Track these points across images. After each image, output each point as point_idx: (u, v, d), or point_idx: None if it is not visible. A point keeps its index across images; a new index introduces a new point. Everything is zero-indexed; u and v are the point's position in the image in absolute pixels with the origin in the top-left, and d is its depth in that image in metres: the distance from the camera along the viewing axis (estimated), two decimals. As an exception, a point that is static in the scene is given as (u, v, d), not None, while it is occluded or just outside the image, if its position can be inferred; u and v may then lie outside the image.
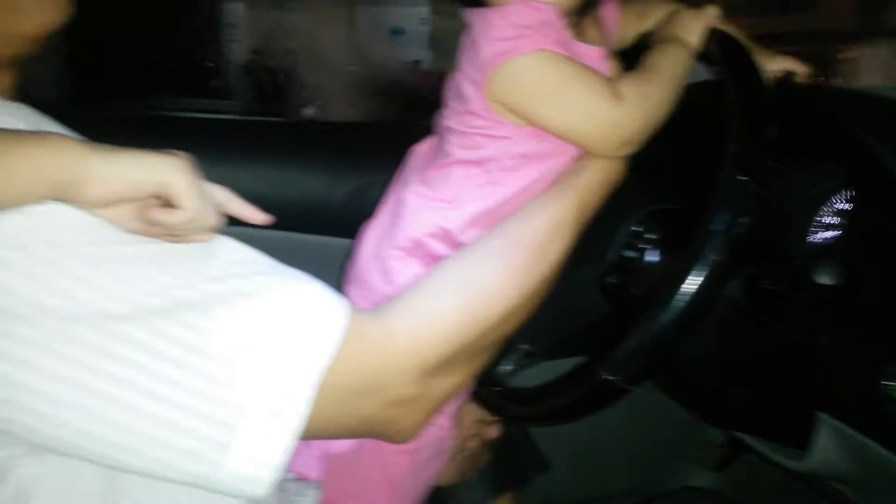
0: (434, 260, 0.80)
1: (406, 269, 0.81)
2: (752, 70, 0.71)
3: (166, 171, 0.52)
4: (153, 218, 0.53)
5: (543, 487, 1.21)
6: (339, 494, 0.86)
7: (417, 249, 0.81)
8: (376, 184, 1.19)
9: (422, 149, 0.91)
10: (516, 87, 0.74)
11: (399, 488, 0.88)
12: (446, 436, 0.95)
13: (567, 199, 0.74)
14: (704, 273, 0.64)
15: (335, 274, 0.96)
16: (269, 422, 0.54)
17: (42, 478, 0.56)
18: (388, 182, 0.95)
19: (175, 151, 0.55)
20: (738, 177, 0.65)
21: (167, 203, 0.53)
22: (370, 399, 0.62)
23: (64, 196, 0.49)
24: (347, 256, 0.96)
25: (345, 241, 1.08)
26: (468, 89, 0.78)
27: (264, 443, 0.54)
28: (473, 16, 0.78)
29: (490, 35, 0.74)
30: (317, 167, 1.30)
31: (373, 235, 0.88)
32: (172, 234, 0.55)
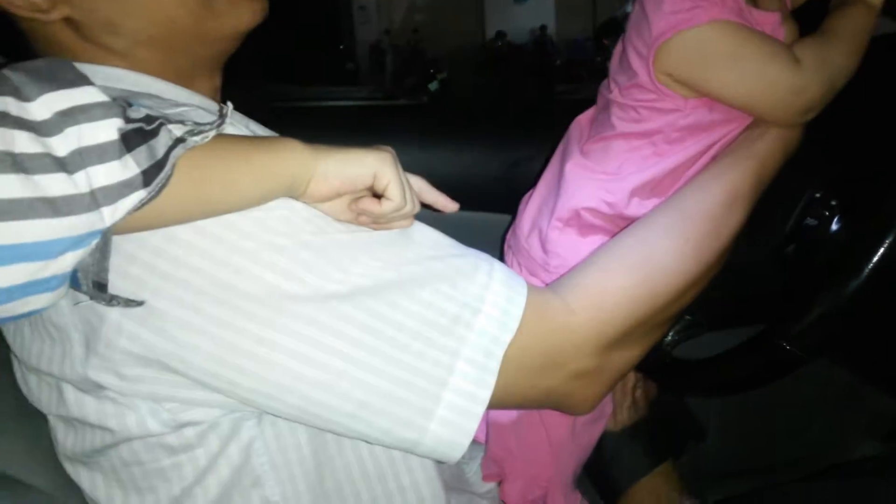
0: (593, 230, 0.81)
1: (565, 239, 0.83)
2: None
3: (379, 166, 0.57)
4: (365, 209, 0.58)
5: (701, 457, 1.20)
6: (502, 453, 0.90)
7: (578, 220, 0.82)
8: (529, 158, 1.22)
9: (583, 119, 0.91)
10: (689, 59, 0.73)
11: (560, 450, 0.91)
12: (606, 401, 0.97)
13: (744, 168, 0.73)
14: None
15: (493, 248, 0.99)
16: (465, 392, 0.58)
17: (265, 437, 0.64)
18: (540, 155, 0.97)
19: (383, 147, 0.60)
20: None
21: (376, 195, 0.58)
22: (553, 372, 0.65)
23: (293, 193, 0.55)
24: (505, 230, 0.99)
25: (501, 217, 1.12)
26: (635, 62, 0.78)
27: (461, 411, 0.58)
28: None
29: (661, 7, 0.73)
30: (471, 144, 1.33)
31: (533, 206, 0.90)
32: (378, 223, 0.60)
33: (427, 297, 0.58)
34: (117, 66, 0.63)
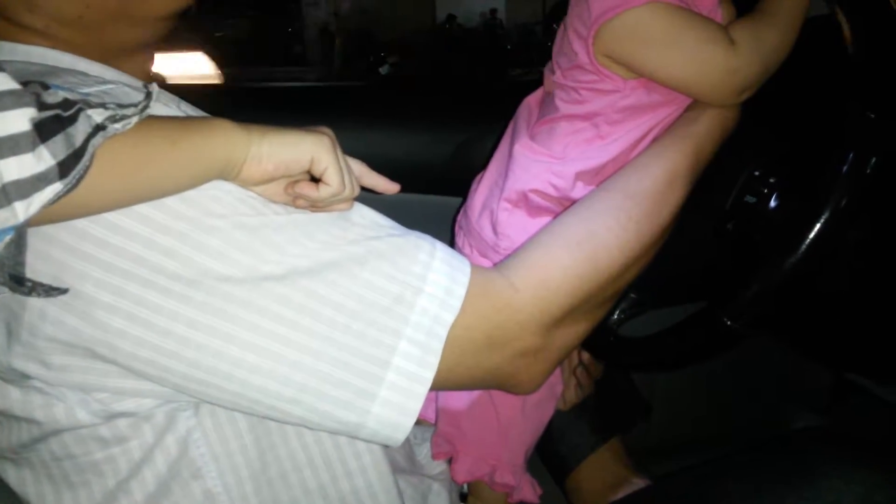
0: (542, 212, 0.82)
1: (514, 220, 0.83)
2: (884, 5, 0.68)
3: (317, 150, 0.55)
4: (302, 193, 0.56)
5: (648, 432, 1.23)
6: (453, 431, 0.91)
7: (525, 202, 0.82)
8: (480, 139, 1.21)
9: (532, 101, 0.91)
10: (627, 41, 0.74)
11: (509, 429, 0.91)
12: (556, 381, 0.98)
13: (683, 147, 0.74)
14: (833, 217, 0.63)
15: (445, 230, 0.99)
16: (407, 373, 0.58)
17: (203, 427, 0.62)
18: (491, 136, 0.96)
19: (322, 128, 0.58)
20: (869, 114, 0.63)
21: (314, 178, 0.57)
22: (497, 351, 0.65)
23: (226, 176, 0.54)
24: (453, 213, 0.99)
25: (453, 199, 1.11)
26: (576, 43, 0.78)
27: (404, 392, 0.58)
28: None
29: None
30: (417, 126, 1.32)
31: (484, 187, 0.90)
32: (315, 207, 0.58)
33: (367, 276, 0.57)
34: (39, 44, 0.60)
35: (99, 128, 0.44)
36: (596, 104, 0.79)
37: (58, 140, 0.41)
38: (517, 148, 0.84)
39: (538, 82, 0.91)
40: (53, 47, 0.60)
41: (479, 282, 0.63)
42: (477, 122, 1.28)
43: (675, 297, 0.94)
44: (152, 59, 0.71)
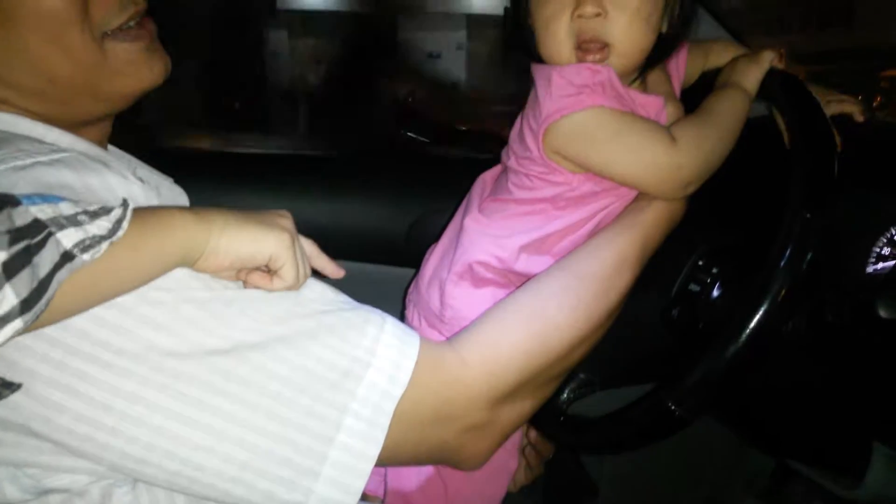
0: (486, 283, 0.83)
1: (459, 291, 0.84)
2: (816, 111, 0.73)
3: (276, 249, 0.55)
4: (255, 284, 0.56)
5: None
6: None
7: (471, 273, 0.84)
8: (438, 211, 1.23)
9: (487, 176, 0.95)
10: (573, 142, 0.78)
11: None
12: (509, 457, 0.97)
13: (631, 234, 0.76)
14: (771, 309, 0.65)
15: (398, 301, 0.99)
16: (352, 449, 0.57)
17: None
18: (445, 212, 0.98)
19: (281, 218, 0.58)
20: (805, 213, 0.66)
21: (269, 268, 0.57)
22: (444, 425, 0.64)
23: (184, 265, 0.53)
24: (408, 285, 1.00)
25: (406, 271, 1.12)
26: (528, 137, 0.82)
27: (348, 470, 0.57)
28: (537, 71, 0.82)
29: (550, 92, 0.77)
30: (379, 198, 1.33)
31: (435, 258, 0.92)
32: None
33: (317, 350, 0.57)
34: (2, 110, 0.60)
35: (67, 257, 0.43)
36: (546, 192, 0.83)
37: (23, 276, 0.40)
38: (467, 221, 0.87)
39: (495, 159, 0.94)
40: (10, 112, 0.60)
41: (428, 356, 0.63)
42: (436, 195, 1.30)
43: (625, 379, 0.95)
44: (111, 124, 0.71)
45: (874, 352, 0.77)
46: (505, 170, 0.89)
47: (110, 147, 0.74)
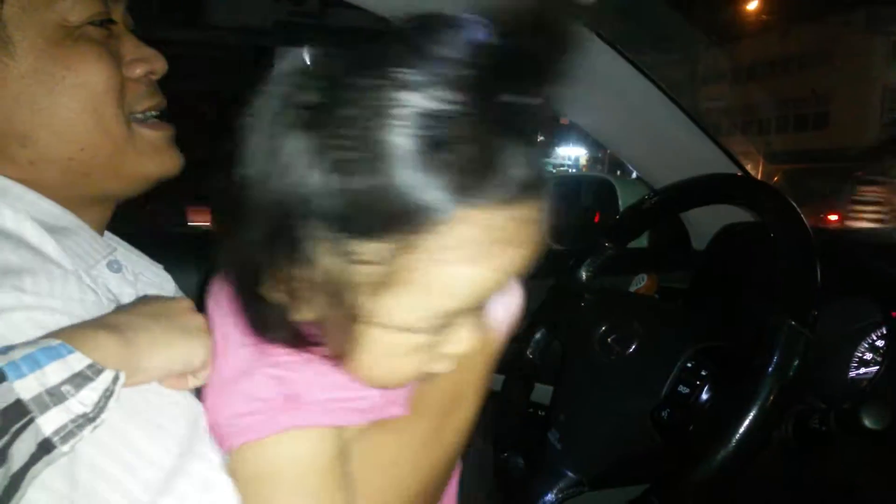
0: None
1: None
2: (797, 221, 0.76)
3: (192, 358, 0.53)
4: (171, 385, 0.53)
5: None
6: None
7: None
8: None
9: None
10: None
11: None
12: None
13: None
14: (760, 414, 0.67)
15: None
16: None
17: None
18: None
19: (192, 311, 0.55)
20: (790, 321, 0.69)
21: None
22: None
23: None
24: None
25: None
26: None
27: None
28: None
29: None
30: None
31: None
32: None
33: None
34: (8, 175, 0.60)
35: (44, 448, 0.40)
36: None
37: None
38: None
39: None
40: (22, 179, 0.61)
41: None
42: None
43: (612, 479, 0.95)
44: (112, 209, 0.71)
45: (858, 458, 0.78)
46: None
47: (106, 233, 0.73)
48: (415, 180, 0.40)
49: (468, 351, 0.52)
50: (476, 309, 0.50)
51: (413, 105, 0.39)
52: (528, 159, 0.43)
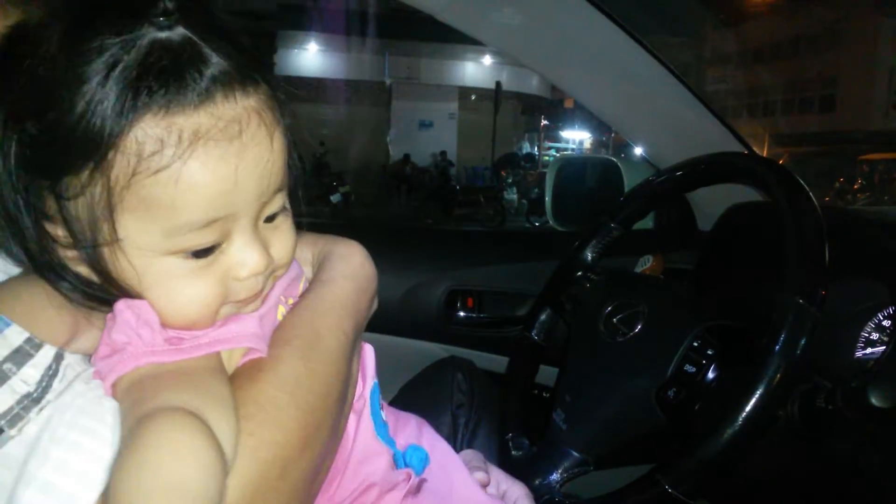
0: None
1: None
2: (806, 199, 0.75)
3: None
4: None
5: None
6: None
7: None
8: (429, 284, 1.24)
9: None
10: None
11: None
12: None
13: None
14: (768, 393, 0.66)
15: (390, 371, 0.99)
16: None
17: None
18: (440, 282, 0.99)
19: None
20: (798, 299, 0.68)
21: None
22: None
23: None
24: (404, 353, 0.99)
25: (398, 340, 1.12)
26: None
27: None
28: None
29: None
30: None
31: None
32: None
33: None
34: None
35: None
36: None
37: None
38: None
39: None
40: None
41: None
42: (424, 267, 1.31)
43: (618, 459, 0.95)
44: None
45: (863, 437, 0.78)
46: None
47: None
48: (85, 101, 0.40)
49: (258, 272, 0.49)
50: (240, 226, 0.48)
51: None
52: (208, 59, 0.43)
